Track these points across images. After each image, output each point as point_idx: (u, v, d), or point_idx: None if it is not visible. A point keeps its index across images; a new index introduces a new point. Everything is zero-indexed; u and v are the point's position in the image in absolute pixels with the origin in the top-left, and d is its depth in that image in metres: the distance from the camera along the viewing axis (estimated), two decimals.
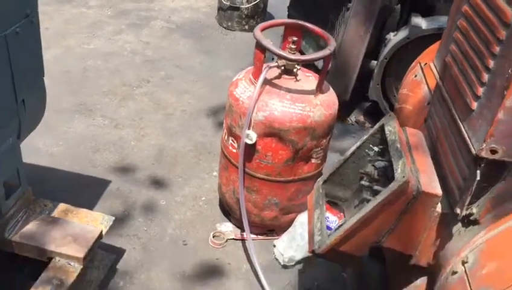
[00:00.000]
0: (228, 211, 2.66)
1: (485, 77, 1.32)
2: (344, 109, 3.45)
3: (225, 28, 4.88)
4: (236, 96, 2.30)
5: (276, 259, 2.47)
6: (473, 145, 1.33)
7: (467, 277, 1.32)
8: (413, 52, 2.57)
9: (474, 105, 1.35)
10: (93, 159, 2.99)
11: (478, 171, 1.34)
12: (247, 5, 4.78)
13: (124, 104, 3.55)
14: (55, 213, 2.19)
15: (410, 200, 1.53)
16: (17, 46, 1.79)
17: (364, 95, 3.63)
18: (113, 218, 2.26)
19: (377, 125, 1.81)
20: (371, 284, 2.09)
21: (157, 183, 2.88)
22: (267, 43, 2.20)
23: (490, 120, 1.26)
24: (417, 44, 3.06)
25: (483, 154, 1.29)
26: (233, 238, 2.57)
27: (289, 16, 3.94)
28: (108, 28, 4.60)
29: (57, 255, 2.00)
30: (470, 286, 1.29)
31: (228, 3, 4.76)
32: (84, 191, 2.70)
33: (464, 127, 1.41)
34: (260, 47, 2.23)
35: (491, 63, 1.30)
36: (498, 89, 1.25)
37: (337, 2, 3.37)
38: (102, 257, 2.33)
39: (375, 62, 3.46)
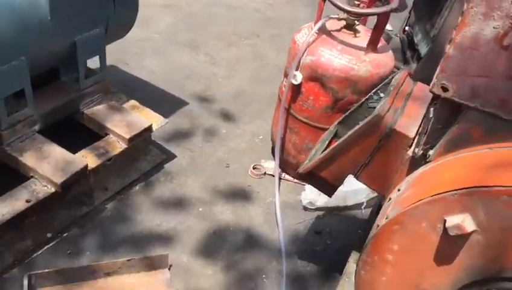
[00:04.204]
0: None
1: (458, 19, 1.36)
2: None
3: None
4: (295, 39, 2.49)
5: (300, 200, 2.64)
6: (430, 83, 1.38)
7: (394, 201, 1.40)
8: None
9: (447, 48, 1.40)
10: (183, 83, 3.42)
11: (431, 109, 1.40)
12: None
13: (228, 49, 3.92)
14: (125, 105, 2.63)
15: (383, 136, 1.62)
16: None
17: None
18: (167, 120, 2.64)
19: (390, 76, 1.89)
20: None
21: (226, 115, 3.20)
22: None
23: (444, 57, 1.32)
24: None
25: (435, 90, 1.34)
26: (271, 174, 2.79)
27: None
28: None
29: (111, 132, 2.43)
30: (391, 208, 1.37)
31: None
32: (164, 103, 3.12)
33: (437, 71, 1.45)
34: None
35: (465, 6, 1.33)
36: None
37: None
38: (155, 154, 2.73)
39: None
